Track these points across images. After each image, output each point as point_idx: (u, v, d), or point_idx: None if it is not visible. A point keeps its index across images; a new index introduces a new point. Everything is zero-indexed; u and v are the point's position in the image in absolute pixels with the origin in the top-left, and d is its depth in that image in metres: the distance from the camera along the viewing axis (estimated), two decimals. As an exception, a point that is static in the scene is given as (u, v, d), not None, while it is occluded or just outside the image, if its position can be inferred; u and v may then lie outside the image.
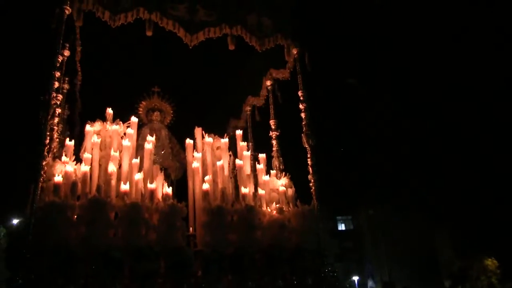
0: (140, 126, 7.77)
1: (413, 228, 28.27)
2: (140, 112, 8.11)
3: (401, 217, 28.21)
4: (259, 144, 8.11)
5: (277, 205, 6.03)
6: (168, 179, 7.68)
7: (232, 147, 7.00)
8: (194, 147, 6.81)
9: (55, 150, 6.05)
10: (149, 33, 6.33)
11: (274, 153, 7.41)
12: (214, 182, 6.31)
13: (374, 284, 29.32)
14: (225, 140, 6.81)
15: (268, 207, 6.05)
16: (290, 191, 6.40)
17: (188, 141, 6.81)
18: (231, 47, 6.67)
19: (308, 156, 6.43)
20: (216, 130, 7.23)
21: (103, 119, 6.64)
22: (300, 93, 6.87)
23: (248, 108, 8.58)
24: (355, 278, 30.85)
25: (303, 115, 6.71)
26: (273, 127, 7.65)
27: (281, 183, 6.58)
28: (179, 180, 7.77)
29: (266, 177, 6.50)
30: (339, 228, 37.23)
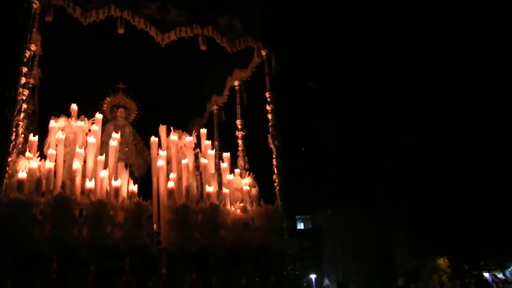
0: (104, 122, 7.72)
1: (370, 229, 28.73)
2: (105, 108, 8.09)
3: (359, 217, 28.64)
4: (225, 143, 8.19)
5: (241, 204, 6.09)
6: (132, 177, 7.66)
7: (198, 146, 7.05)
8: (159, 144, 6.80)
9: (19, 146, 5.95)
10: (120, 31, 6.30)
11: (239, 153, 7.49)
12: (179, 180, 6.33)
13: (329, 282, 29.72)
14: (191, 138, 6.84)
15: (232, 206, 6.10)
16: (254, 191, 6.50)
17: (153, 138, 6.83)
18: (203, 48, 6.74)
19: (274, 156, 6.55)
20: (180, 128, 7.27)
21: (68, 115, 6.58)
22: (267, 95, 6.97)
23: (215, 107, 8.66)
24: (313, 277, 31.19)
25: (269, 116, 6.82)
26: (239, 126, 7.73)
27: (245, 182, 6.65)
28: (143, 177, 7.73)
29: (230, 176, 6.56)
30: (298, 227, 37.49)
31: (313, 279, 31.13)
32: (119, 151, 7.31)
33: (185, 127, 8.20)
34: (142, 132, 8.10)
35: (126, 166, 7.49)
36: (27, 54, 5.69)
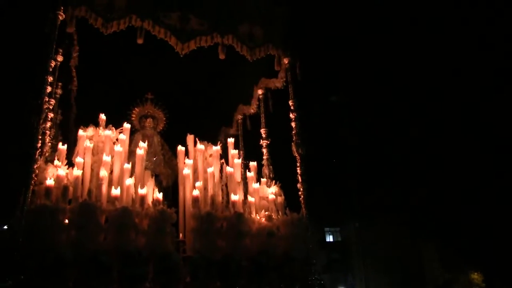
0: (133, 132, 7.83)
1: (400, 242, 28.39)
2: (133, 118, 8.14)
3: (388, 230, 28.31)
4: (250, 152, 8.19)
5: (266, 213, 6.08)
6: (159, 186, 7.71)
7: (224, 155, 7.07)
8: (186, 154, 6.85)
9: (47, 154, 6.06)
10: (140, 41, 6.35)
11: (264, 162, 7.49)
12: (204, 189, 6.36)
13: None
14: (217, 147, 6.88)
15: (257, 215, 6.10)
16: (280, 199, 6.49)
17: (180, 148, 6.87)
18: (222, 56, 6.75)
19: (298, 165, 6.52)
20: (208, 137, 7.31)
21: (97, 124, 6.69)
22: (291, 103, 6.97)
23: (240, 117, 8.68)
24: (342, 288, 30.93)
25: (293, 124, 6.81)
26: (264, 135, 7.75)
27: (271, 191, 6.65)
28: (171, 186, 7.77)
29: (256, 185, 6.57)
30: (327, 240, 37.24)
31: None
32: (147, 161, 7.42)
33: (214, 137, 8.27)
34: (170, 142, 8.13)
35: (153, 175, 7.58)
36: (53, 64, 5.79)
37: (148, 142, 7.56)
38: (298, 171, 6.49)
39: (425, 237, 27.39)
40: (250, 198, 6.27)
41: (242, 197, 6.34)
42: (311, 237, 6.13)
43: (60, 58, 6.62)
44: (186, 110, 8.54)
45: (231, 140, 7.23)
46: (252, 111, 8.35)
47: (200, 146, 6.83)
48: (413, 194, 24.51)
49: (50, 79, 5.74)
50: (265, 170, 7.35)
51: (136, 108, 8.20)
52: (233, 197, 6.01)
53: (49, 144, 6.25)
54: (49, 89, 5.68)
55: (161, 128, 8.37)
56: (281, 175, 7.34)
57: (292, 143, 6.65)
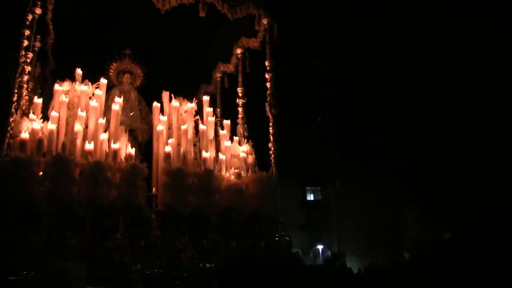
0: (110, 87, 7.90)
1: (380, 203, 28.82)
2: (111, 73, 8.17)
3: (368, 191, 28.73)
4: (227, 110, 8.30)
5: (236, 171, 6.26)
6: (136, 141, 7.86)
7: (201, 112, 7.19)
8: (162, 110, 6.96)
9: (23, 107, 6.16)
10: None
11: (239, 120, 7.61)
12: (178, 145, 6.50)
13: (329, 253, 30.01)
14: (192, 104, 7.00)
15: (227, 172, 6.27)
16: (251, 158, 6.66)
17: (155, 104, 6.98)
18: (202, 14, 6.77)
19: (270, 124, 6.68)
20: (187, 94, 7.39)
21: (73, 79, 6.76)
22: (267, 63, 7.07)
23: (218, 75, 8.76)
24: (320, 247, 31.46)
25: (268, 84, 6.92)
26: (240, 94, 7.85)
27: (243, 149, 6.80)
28: (147, 142, 7.88)
29: (228, 143, 6.72)
30: (308, 198, 37.62)
31: (320, 249, 31.39)
32: (124, 116, 7.55)
33: (192, 94, 8.38)
34: (148, 97, 8.20)
35: (130, 130, 7.70)
36: (30, 17, 5.82)
37: (125, 97, 7.71)
38: (270, 130, 6.63)
39: (405, 200, 27.85)
40: (221, 156, 6.43)
41: (214, 154, 6.48)
42: (279, 195, 6.28)
43: (38, 11, 6.62)
44: (166, 66, 8.58)
45: (206, 98, 7.33)
46: (231, 69, 8.41)
47: (175, 103, 6.91)
48: (396, 156, 24.77)
49: (27, 32, 5.77)
50: (240, 129, 7.49)
51: (114, 63, 8.21)
52: (204, 154, 6.18)
53: (26, 97, 6.34)
54: (26, 42, 5.71)
55: (139, 84, 8.40)
56: (257, 134, 7.47)
57: (266, 103, 6.77)
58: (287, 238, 6.06)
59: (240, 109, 7.76)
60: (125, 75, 8.25)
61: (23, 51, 5.60)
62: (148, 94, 8.21)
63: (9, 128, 5.28)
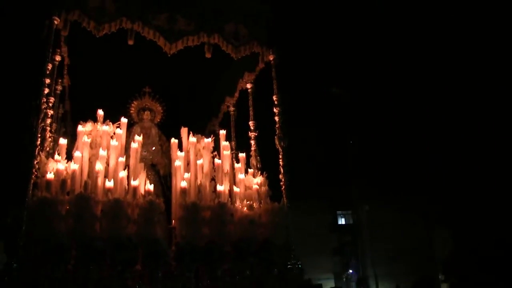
0: (132, 125, 8.33)
1: (410, 226, 28.67)
2: (132, 111, 8.61)
3: (399, 214, 28.62)
4: (241, 143, 8.62)
5: (248, 202, 6.56)
6: (157, 175, 8.25)
7: (218, 146, 7.54)
8: (180, 146, 7.32)
9: (48, 149, 6.61)
10: (130, 42, 6.77)
11: (252, 153, 7.91)
12: (196, 180, 6.85)
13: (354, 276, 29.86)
14: (208, 139, 7.34)
15: (240, 204, 6.58)
16: (263, 189, 6.96)
17: (173, 140, 7.35)
18: (208, 55, 7.15)
19: (280, 157, 6.98)
20: (199, 127, 7.77)
21: (95, 120, 7.21)
22: (274, 98, 7.39)
23: (232, 108, 9.14)
24: (351, 271, 31.34)
25: (276, 118, 7.24)
26: (252, 128, 8.13)
27: (256, 181, 7.10)
28: (168, 175, 8.23)
29: (242, 176, 7.03)
30: (339, 222, 37.52)
31: (352, 273, 31.24)
32: (145, 151, 7.97)
33: (204, 128, 8.76)
34: (168, 133, 8.57)
35: (151, 165, 8.10)
36: (49, 66, 6.28)
37: (146, 133, 8.13)
38: (281, 163, 6.93)
39: (438, 222, 27.62)
40: (236, 188, 6.74)
41: (229, 187, 6.80)
42: (290, 224, 6.54)
43: (58, 58, 7.15)
44: (179, 102, 8.97)
45: (222, 132, 7.68)
46: (234, 102, 9.03)
47: (192, 138, 7.27)
48: (426, 178, 24.71)
49: (48, 81, 6.23)
50: (253, 161, 7.77)
51: (134, 102, 8.66)
52: (219, 188, 6.49)
53: (50, 139, 6.80)
54: (46, 90, 6.17)
55: (159, 120, 8.81)
56: (272, 165, 7.73)
57: (275, 136, 7.08)
58: (299, 266, 6.30)
59: (252, 142, 8.02)
60: (146, 112, 8.67)
61: (44, 98, 6.04)
62: (167, 130, 8.59)
63: (34, 170, 5.68)
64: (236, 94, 8.85)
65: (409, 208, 28.25)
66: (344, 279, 30.89)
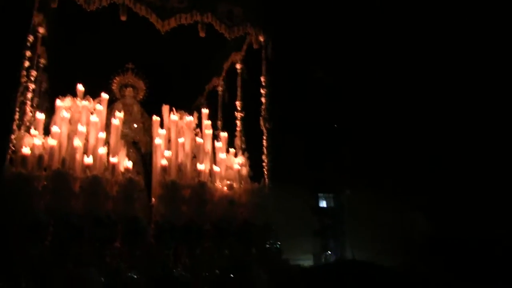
0: (113, 101, 8.21)
1: (391, 210, 28.86)
2: (114, 87, 8.48)
3: (379, 198, 28.80)
4: (227, 122, 8.56)
5: (228, 182, 6.52)
6: (138, 153, 8.16)
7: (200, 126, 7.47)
8: (162, 123, 7.24)
9: (28, 124, 6.48)
10: (123, 18, 6.69)
11: (237, 133, 7.87)
12: (176, 158, 6.78)
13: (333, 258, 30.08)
14: (190, 118, 7.26)
15: (221, 184, 6.53)
16: (245, 170, 6.92)
17: (155, 117, 7.24)
18: (202, 34, 7.06)
19: (264, 138, 6.94)
20: (185, 106, 7.68)
21: (75, 95, 7.08)
22: (262, 79, 7.32)
23: (220, 88, 9.07)
24: (329, 253, 31.52)
25: (263, 99, 7.18)
26: (238, 108, 8.08)
27: (237, 161, 7.06)
28: (150, 153, 8.15)
29: (223, 155, 6.98)
30: (321, 205, 37.64)
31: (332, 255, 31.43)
32: (127, 128, 7.88)
33: (190, 106, 8.68)
34: (150, 111, 8.47)
35: (133, 142, 8.01)
36: (31, 38, 6.14)
37: (128, 110, 8.01)
38: (264, 144, 6.90)
39: (420, 206, 27.86)
40: (216, 168, 6.69)
41: (210, 166, 6.74)
42: (271, 205, 6.53)
43: (41, 30, 6.99)
44: (165, 80, 8.87)
45: (205, 111, 7.60)
46: (221, 83, 8.91)
47: (174, 116, 7.18)
48: (409, 163, 24.78)
49: (29, 53, 6.09)
50: (238, 141, 7.73)
51: (116, 78, 8.54)
52: (199, 167, 6.43)
53: (30, 113, 6.66)
54: (27, 63, 6.03)
55: (141, 97, 8.70)
56: (255, 147, 7.67)
57: (261, 117, 7.03)
58: (277, 246, 6.30)
59: (238, 122, 8.00)
60: (128, 89, 8.54)
61: (24, 71, 5.90)
62: (150, 108, 8.49)
63: (11, 145, 5.57)
64: (223, 74, 8.75)
65: (390, 193, 28.45)
66: (323, 260, 31.09)
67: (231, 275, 5.56)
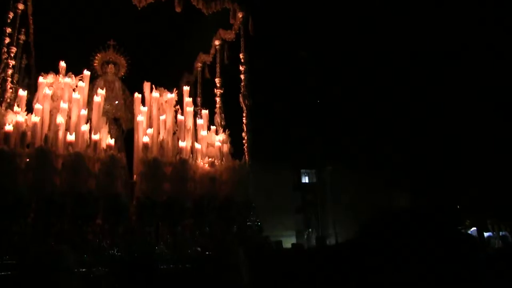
0: (95, 78, 8.21)
1: (371, 188, 29.20)
2: (95, 64, 8.46)
3: (361, 176, 29.08)
4: (208, 100, 8.58)
5: (210, 159, 6.59)
6: (120, 129, 8.20)
7: (182, 102, 7.50)
8: (143, 100, 7.26)
9: (8, 100, 6.46)
10: None
11: (216, 110, 7.90)
12: (158, 135, 6.84)
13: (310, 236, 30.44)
14: (171, 95, 7.30)
15: (202, 161, 6.61)
16: (226, 147, 6.99)
17: (136, 94, 7.26)
18: (178, 9, 7.06)
19: (244, 115, 7.00)
20: (170, 84, 7.69)
21: (57, 71, 7.06)
22: (241, 56, 7.36)
23: (199, 65, 9.05)
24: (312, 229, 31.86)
25: (242, 76, 7.23)
26: (218, 85, 8.12)
27: (219, 138, 7.12)
28: (131, 130, 8.19)
29: (204, 132, 7.04)
30: (303, 181, 37.94)
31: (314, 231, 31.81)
32: (108, 105, 7.89)
33: (175, 83, 8.69)
34: (131, 87, 8.48)
35: (114, 119, 8.03)
36: (11, 15, 6.11)
37: (109, 87, 8.02)
38: (244, 120, 6.96)
39: (399, 185, 28.19)
40: (197, 145, 6.76)
41: (191, 143, 6.80)
42: (251, 182, 6.62)
43: (21, 7, 6.92)
44: (149, 56, 8.86)
45: (186, 88, 7.64)
46: (209, 60, 8.72)
47: (155, 93, 7.20)
48: (390, 141, 25.05)
49: (9, 30, 6.06)
50: (217, 118, 7.77)
51: (98, 54, 8.51)
52: (181, 144, 6.50)
53: (11, 90, 6.64)
54: (7, 40, 6.01)
55: (123, 74, 8.69)
56: (235, 124, 7.74)
57: (240, 94, 7.08)
58: (258, 223, 6.41)
59: (217, 99, 8.02)
60: (110, 66, 8.53)
61: (5, 47, 5.88)
62: (132, 84, 8.50)
63: (-8, 122, 5.59)
64: (212, 51, 8.69)
65: (371, 170, 28.70)
66: (305, 237, 31.44)
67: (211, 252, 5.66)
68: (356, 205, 28.92)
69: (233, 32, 7.78)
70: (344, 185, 30.70)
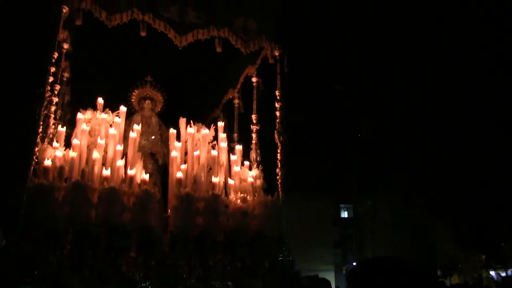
0: (132, 113, 8.44)
1: (413, 220, 28.78)
2: (133, 100, 8.70)
3: (402, 209, 28.73)
4: (242, 135, 8.71)
5: (242, 195, 6.67)
6: (156, 164, 8.37)
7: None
8: (178, 136, 7.42)
9: (51, 136, 6.73)
10: (143, 34, 6.93)
11: (252, 146, 7.98)
12: (191, 170, 6.96)
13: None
14: (206, 131, 7.42)
15: (234, 197, 6.69)
16: (258, 182, 7.05)
17: (171, 130, 7.42)
18: (218, 49, 7.25)
19: (278, 151, 7.07)
20: (202, 119, 7.85)
21: (95, 108, 7.31)
22: (277, 92, 7.46)
23: (236, 101, 9.21)
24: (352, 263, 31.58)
25: (277, 113, 7.32)
26: (254, 121, 8.20)
27: (252, 174, 7.20)
28: (167, 165, 8.33)
29: (237, 168, 7.13)
30: (342, 215, 37.76)
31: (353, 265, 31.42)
32: (145, 140, 8.08)
33: (206, 118, 8.86)
34: (169, 123, 8.65)
35: (151, 154, 8.21)
36: (55, 55, 6.40)
37: (146, 122, 8.22)
38: (278, 157, 7.03)
39: (439, 217, 27.72)
40: (230, 181, 6.85)
41: (224, 179, 6.90)
42: (284, 217, 6.65)
43: (66, 46, 7.24)
44: (183, 93, 9.07)
45: (221, 124, 7.76)
46: (236, 94, 9.02)
47: (190, 129, 7.35)
48: (428, 173, 24.77)
49: (53, 69, 6.34)
50: (253, 154, 7.84)
51: (135, 90, 8.75)
52: (214, 179, 6.60)
53: (53, 126, 6.91)
54: (51, 78, 6.28)
55: (159, 110, 8.90)
56: (269, 159, 7.80)
57: (275, 131, 7.17)
58: (290, 258, 6.41)
59: (253, 135, 8.08)
60: (146, 101, 8.74)
61: (48, 86, 6.15)
62: (169, 120, 8.68)
63: (34, 157, 5.81)
64: (238, 86, 8.88)
65: (410, 203, 28.35)
66: (344, 271, 31.10)
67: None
68: (395, 239, 28.54)
69: (255, 67, 8.13)
70: (384, 220, 30.35)
